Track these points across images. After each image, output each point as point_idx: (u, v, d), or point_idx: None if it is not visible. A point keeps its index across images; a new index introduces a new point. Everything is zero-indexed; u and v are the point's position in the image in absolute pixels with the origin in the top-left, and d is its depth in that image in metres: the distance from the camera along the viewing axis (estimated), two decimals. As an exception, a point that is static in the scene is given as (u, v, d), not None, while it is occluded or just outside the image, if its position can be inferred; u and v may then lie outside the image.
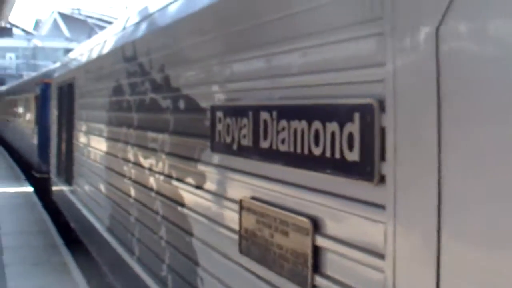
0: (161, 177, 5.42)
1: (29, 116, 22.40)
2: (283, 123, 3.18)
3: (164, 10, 5.56)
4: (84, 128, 9.74)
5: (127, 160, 6.69)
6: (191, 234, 4.64)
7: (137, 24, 6.55)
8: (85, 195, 9.63)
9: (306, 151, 2.96)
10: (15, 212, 14.27)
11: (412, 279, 2.22)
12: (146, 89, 5.93)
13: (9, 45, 65.25)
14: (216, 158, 4.14)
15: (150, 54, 5.77)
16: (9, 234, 11.88)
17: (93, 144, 8.89)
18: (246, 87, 3.70)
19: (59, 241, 11.43)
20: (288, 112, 3.14)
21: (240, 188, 3.75)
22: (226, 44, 4.04)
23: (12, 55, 76.20)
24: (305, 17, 3.04)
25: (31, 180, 20.77)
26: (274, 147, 3.28)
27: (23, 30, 56.11)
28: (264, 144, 3.39)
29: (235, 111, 3.78)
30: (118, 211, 7.12)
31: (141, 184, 6.11)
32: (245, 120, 3.63)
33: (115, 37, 7.72)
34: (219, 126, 4.01)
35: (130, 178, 6.56)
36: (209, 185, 4.30)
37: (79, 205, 10.04)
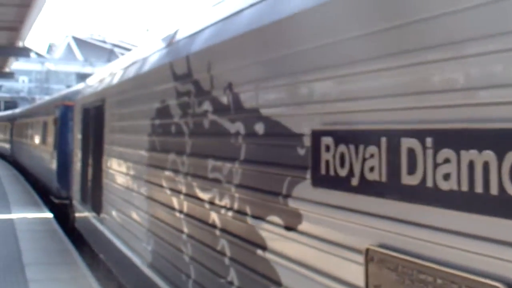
0: (229, 213, 4.64)
1: (47, 140, 21.71)
2: (447, 153, 2.40)
3: (234, 18, 4.80)
4: (116, 153, 8.98)
5: (177, 191, 5.92)
6: (278, 284, 3.85)
7: (192, 37, 5.80)
8: (117, 225, 8.85)
9: (495, 192, 2.17)
10: (37, 240, 13.48)
11: None
12: (205, 110, 5.17)
13: (22, 68, 65.02)
14: (320, 194, 3.35)
15: (212, 70, 5.02)
16: (33, 265, 11.08)
17: (129, 171, 8.12)
18: (374, 106, 2.92)
19: (87, 273, 10.62)
20: (457, 139, 2.36)
21: (366, 233, 2.96)
22: (343, 52, 3.24)
23: (25, 78, 76.18)
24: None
25: (49, 206, 20.04)
26: (429, 184, 2.50)
27: (37, 53, 55.99)
28: (410, 180, 2.61)
29: (356, 137, 3.00)
30: (164, 247, 6.33)
31: (198, 219, 5.33)
32: (373, 149, 2.85)
33: (159, 53, 6.98)
34: (327, 156, 3.24)
35: (181, 211, 5.78)
36: (308, 226, 3.51)
37: (110, 236, 9.26)
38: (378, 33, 2.95)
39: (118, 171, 8.83)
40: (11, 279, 10.09)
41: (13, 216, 17.10)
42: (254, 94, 4.25)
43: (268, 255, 4.00)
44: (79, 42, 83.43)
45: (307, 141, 3.49)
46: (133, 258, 7.69)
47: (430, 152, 2.49)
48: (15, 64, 37.55)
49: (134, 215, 7.73)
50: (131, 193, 7.91)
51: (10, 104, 74.53)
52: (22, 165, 32.50)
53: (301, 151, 3.57)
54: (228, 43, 4.72)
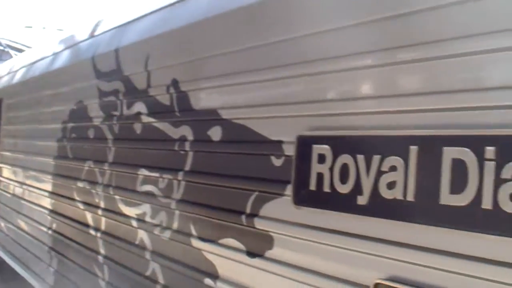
0: (165, 233, 3.94)
1: None
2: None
3: (186, 3, 4.13)
4: (12, 160, 8.00)
5: (92, 205, 5.14)
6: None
7: (123, 28, 5.05)
8: (9, 241, 7.87)
9: None
10: None
11: None
12: (138, 112, 4.46)
13: None
14: (307, 215, 2.74)
15: (149, 64, 4.33)
16: None
17: (27, 180, 7.19)
18: (400, 106, 2.35)
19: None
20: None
21: (375, 265, 2.38)
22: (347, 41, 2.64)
23: None
24: None
25: None
26: (486, 205, 1.95)
27: None
28: (455, 200, 2.06)
29: (369, 146, 2.42)
30: (73, 270, 5.51)
31: (121, 239, 4.58)
32: (395, 160, 2.28)
33: (75, 48, 6.17)
34: (320, 168, 2.64)
35: (98, 229, 5.00)
36: (284, 253, 2.89)
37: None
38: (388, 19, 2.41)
39: (12, 179, 7.86)
40: None
41: None
42: (210, 93, 3.60)
43: (220, 285, 3.34)
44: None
45: (288, 150, 2.88)
46: (30, 279, 6.77)
47: (491, 164, 1.94)
48: None
49: (32, 230, 6.82)
50: (29, 205, 6.99)
51: None
52: None
53: (278, 162, 2.96)
54: (176, 33, 4.04)
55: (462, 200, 2.02)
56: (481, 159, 1.98)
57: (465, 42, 2.10)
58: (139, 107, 4.43)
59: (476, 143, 2.00)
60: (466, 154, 2.02)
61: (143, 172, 4.30)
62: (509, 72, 1.98)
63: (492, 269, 1.96)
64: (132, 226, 4.39)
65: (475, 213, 1.99)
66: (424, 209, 2.16)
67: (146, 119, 4.33)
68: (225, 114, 3.42)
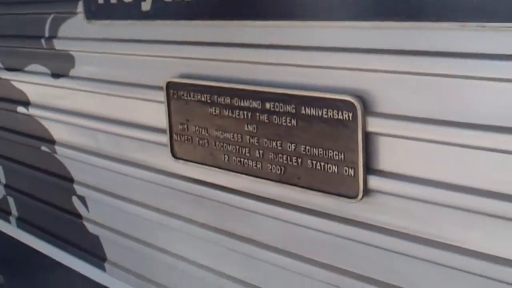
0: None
1: None
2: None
3: None
4: None
5: None
6: (51, 141, 3.35)
7: None
8: None
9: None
10: None
11: None
12: None
13: None
14: (99, 29, 2.82)
15: None
16: None
17: None
18: None
19: None
20: None
21: (166, 65, 2.55)
22: None
23: None
24: None
25: None
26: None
27: None
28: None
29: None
30: None
31: None
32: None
33: None
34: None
35: None
36: (85, 70, 3.00)
37: None
38: None
39: None
40: None
41: None
42: None
43: (32, 111, 3.43)
44: None
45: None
46: None
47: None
48: None
49: None
50: None
51: None
52: None
53: None
54: None
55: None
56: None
57: None
58: None
59: None
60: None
61: None
62: None
63: (208, 50, 2.30)
64: None
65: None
66: (203, 5, 2.31)
67: None
68: None
